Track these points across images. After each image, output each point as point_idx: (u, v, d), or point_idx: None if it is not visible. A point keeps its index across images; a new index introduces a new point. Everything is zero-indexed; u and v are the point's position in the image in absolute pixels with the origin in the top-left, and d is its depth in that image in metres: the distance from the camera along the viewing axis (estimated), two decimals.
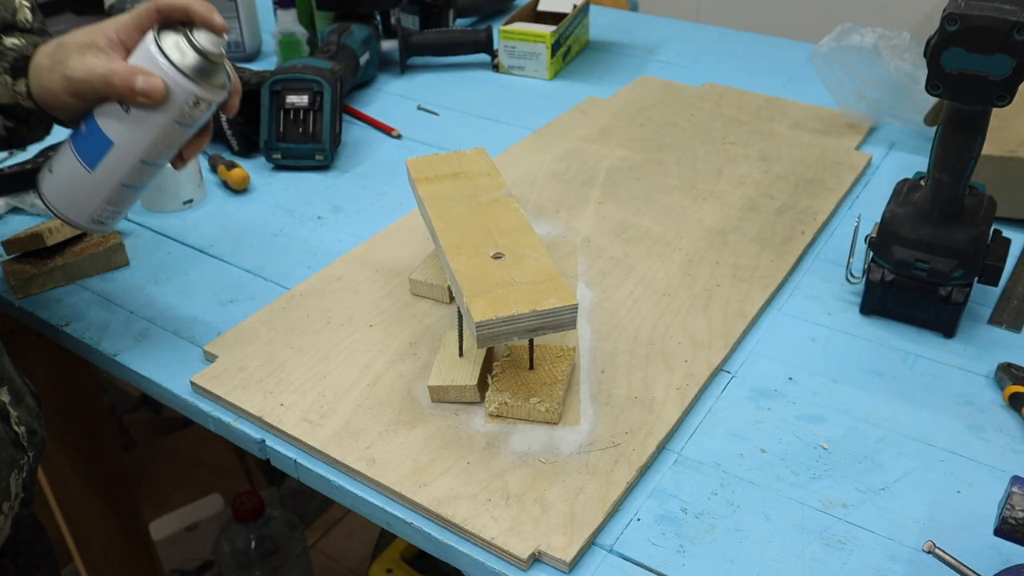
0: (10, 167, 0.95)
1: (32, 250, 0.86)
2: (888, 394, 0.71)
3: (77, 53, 0.64)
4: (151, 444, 1.78)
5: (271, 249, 0.91)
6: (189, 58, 0.64)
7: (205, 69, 0.65)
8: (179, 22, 0.65)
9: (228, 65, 0.68)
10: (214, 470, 1.72)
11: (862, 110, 1.10)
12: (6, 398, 0.68)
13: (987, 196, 0.79)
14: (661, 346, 0.74)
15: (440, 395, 0.69)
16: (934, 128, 0.75)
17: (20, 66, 0.67)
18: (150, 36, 0.64)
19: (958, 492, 0.62)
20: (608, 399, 0.69)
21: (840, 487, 0.63)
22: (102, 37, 0.65)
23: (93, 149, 0.66)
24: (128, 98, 0.64)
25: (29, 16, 0.73)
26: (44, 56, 0.66)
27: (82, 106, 0.66)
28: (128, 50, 0.65)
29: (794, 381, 0.72)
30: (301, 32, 1.31)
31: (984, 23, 0.65)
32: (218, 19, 0.64)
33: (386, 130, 1.15)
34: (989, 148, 0.84)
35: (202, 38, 0.64)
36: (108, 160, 0.66)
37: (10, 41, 0.69)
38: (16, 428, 0.68)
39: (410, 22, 1.42)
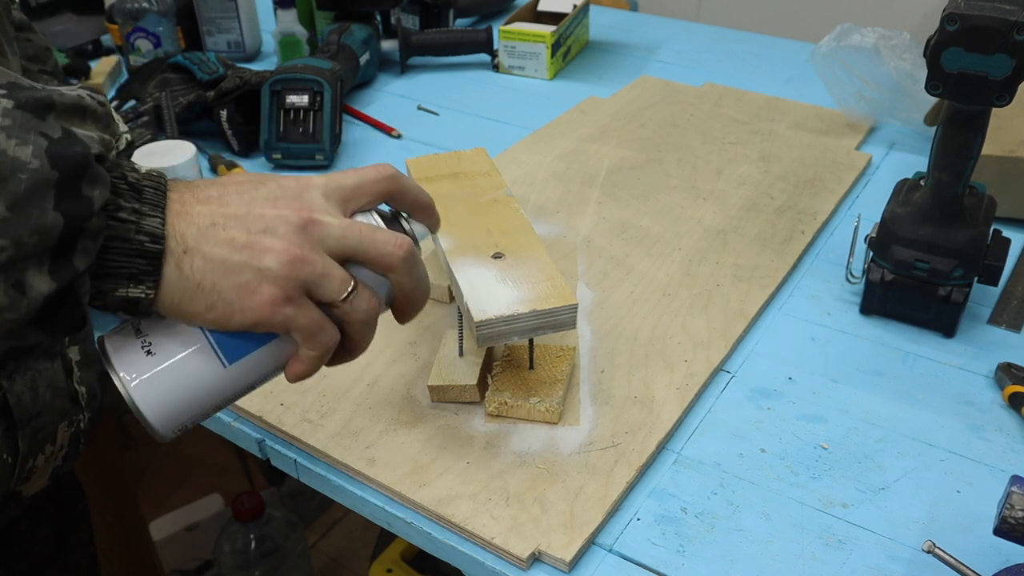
0: None
1: None
2: (888, 394, 0.71)
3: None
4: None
5: None
6: None
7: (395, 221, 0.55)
8: (394, 207, 0.55)
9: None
10: (214, 470, 1.71)
11: (862, 110, 1.10)
12: (76, 357, 0.68)
13: (987, 196, 0.79)
14: (661, 346, 0.74)
15: (440, 395, 0.69)
16: (934, 128, 0.75)
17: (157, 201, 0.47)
18: (375, 217, 0.52)
19: (958, 492, 0.62)
20: (608, 399, 0.69)
21: (840, 487, 0.63)
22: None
23: (242, 340, 0.49)
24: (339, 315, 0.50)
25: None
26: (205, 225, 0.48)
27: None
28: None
29: (794, 381, 0.72)
30: (301, 32, 1.31)
31: (984, 23, 0.65)
32: (437, 216, 0.57)
33: (386, 130, 1.15)
34: (989, 148, 0.84)
35: (418, 230, 0.55)
36: (258, 356, 0.50)
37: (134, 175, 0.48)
38: (77, 386, 0.68)
39: (410, 22, 1.42)
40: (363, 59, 1.23)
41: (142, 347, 0.48)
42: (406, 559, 1.39)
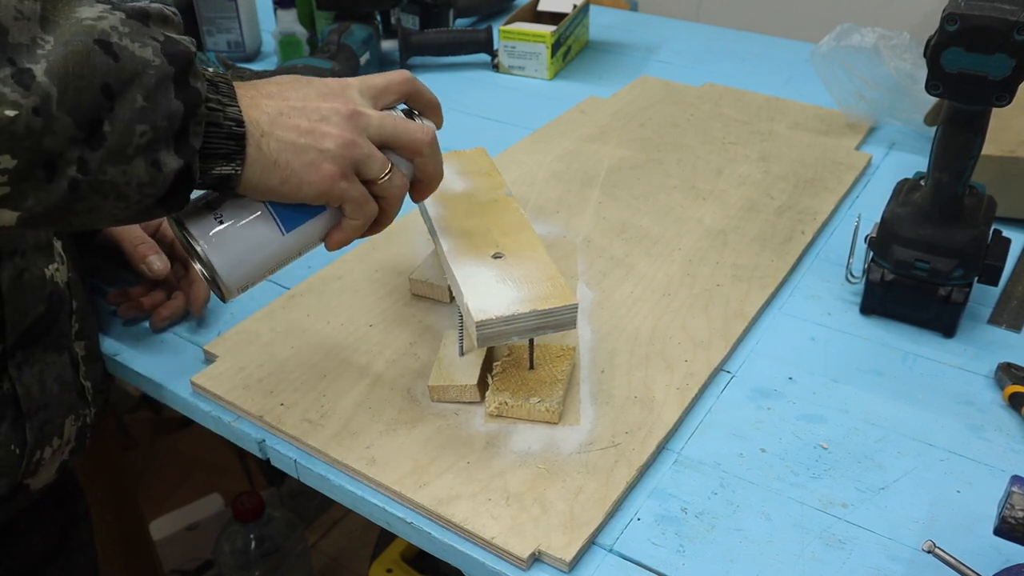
0: None
1: None
2: (888, 394, 0.71)
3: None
4: (151, 444, 1.78)
5: None
6: None
7: None
8: (409, 106, 0.65)
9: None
10: (214, 470, 1.71)
11: (862, 110, 1.10)
12: (82, 352, 0.71)
13: (987, 196, 0.79)
14: (661, 346, 0.74)
15: (440, 395, 0.69)
16: (934, 128, 0.75)
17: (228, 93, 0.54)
18: (398, 113, 0.63)
19: (958, 492, 0.62)
20: (608, 399, 0.69)
21: (840, 487, 0.63)
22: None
23: (298, 210, 0.58)
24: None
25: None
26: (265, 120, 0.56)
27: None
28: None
29: (794, 381, 0.72)
30: (301, 32, 1.31)
31: (984, 23, 0.65)
32: (442, 115, 0.66)
33: None
34: (989, 148, 0.84)
35: (428, 126, 0.64)
36: (308, 227, 0.59)
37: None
38: (83, 381, 0.71)
39: (410, 22, 1.42)
40: (363, 59, 1.23)
41: (214, 217, 0.57)
42: (406, 559, 1.39)
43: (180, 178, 0.50)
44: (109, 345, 0.78)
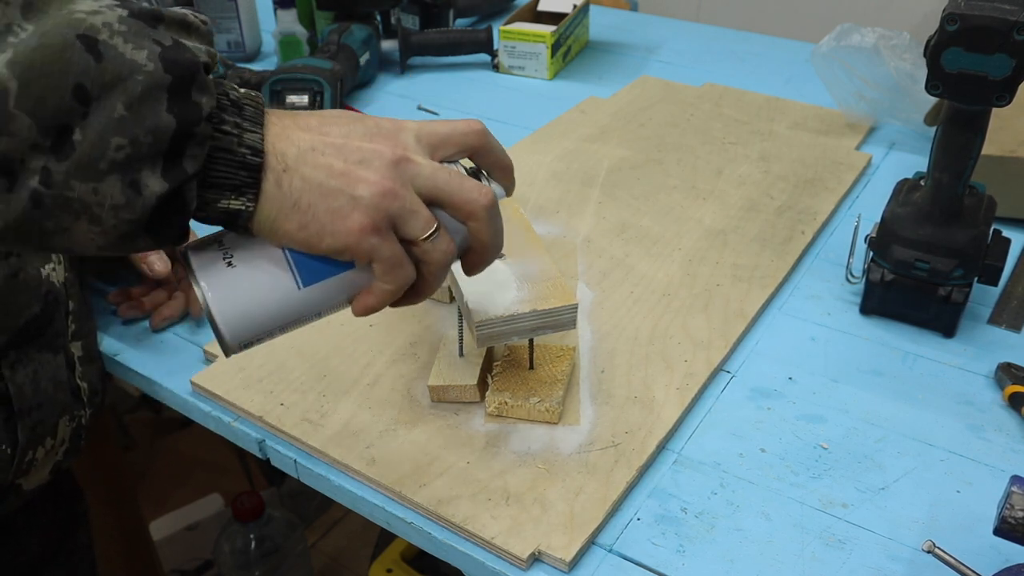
0: None
1: None
2: (888, 394, 0.71)
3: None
4: (151, 444, 1.78)
5: None
6: None
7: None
8: (476, 163, 0.56)
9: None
10: (214, 470, 1.71)
11: (862, 110, 1.10)
12: (78, 353, 0.70)
13: (987, 196, 0.79)
14: (661, 346, 0.74)
15: (440, 395, 0.69)
16: (934, 128, 0.75)
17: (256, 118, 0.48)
18: (460, 168, 0.54)
19: (958, 492, 0.62)
20: (608, 399, 0.69)
21: (840, 487, 0.63)
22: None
23: (319, 264, 0.50)
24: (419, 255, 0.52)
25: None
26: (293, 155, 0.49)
27: None
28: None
29: (794, 381, 0.72)
30: (301, 32, 1.31)
31: (984, 23, 0.65)
32: (514, 179, 0.58)
33: None
34: (989, 148, 0.84)
35: (496, 190, 0.56)
36: (331, 284, 0.51)
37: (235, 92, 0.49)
38: (79, 381, 0.70)
39: (410, 22, 1.42)
40: (363, 59, 1.23)
41: (223, 258, 0.49)
42: (406, 559, 1.39)
43: (167, 205, 0.44)
44: (109, 345, 0.78)
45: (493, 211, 0.52)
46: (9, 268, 0.63)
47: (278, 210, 0.47)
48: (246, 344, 0.51)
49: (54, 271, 0.68)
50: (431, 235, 0.50)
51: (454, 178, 0.51)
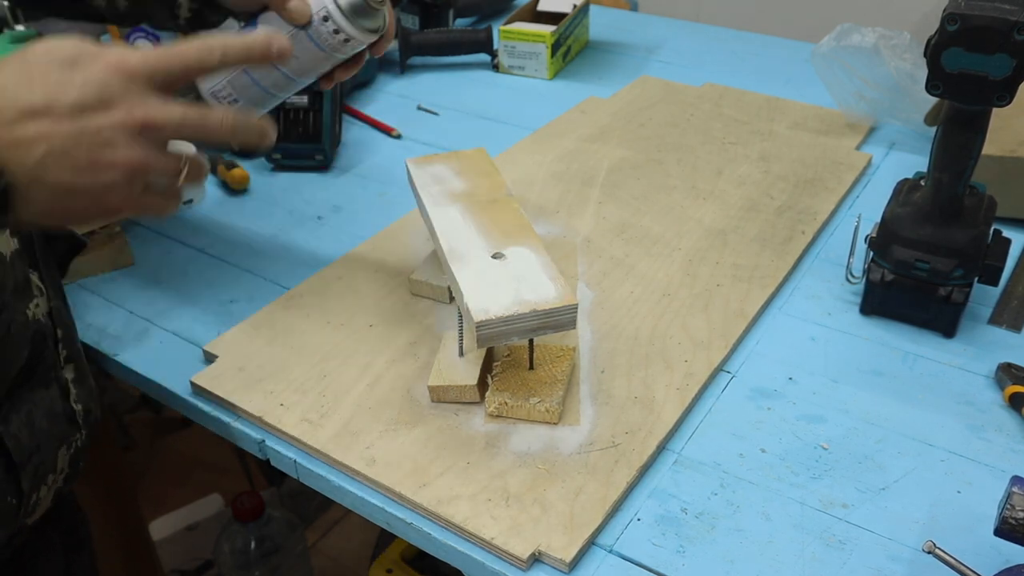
0: None
1: None
2: (888, 394, 0.71)
3: None
4: (151, 444, 1.78)
5: (271, 249, 0.91)
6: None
7: (362, 10, 0.66)
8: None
9: (387, 10, 0.69)
10: (214, 470, 1.72)
11: (862, 110, 1.10)
12: (71, 375, 0.69)
13: (987, 196, 0.79)
14: (661, 346, 0.74)
15: (440, 395, 0.68)
16: (934, 128, 0.75)
17: None
18: None
19: (958, 492, 0.62)
20: (608, 399, 0.69)
21: (840, 487, 0.63)
22: None
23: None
24: (277, 8, 0.65)
25: None
26: None
27: (254, 6, 0.69)
28: None
29: (794, 381, 0.72)
30: None
31: (984, 23, 0.65)
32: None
33: (386, 130, 1.15)
34: (989, 148, 0.84)
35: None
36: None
37: None
38: (74, 405, 0.69)
39: (410, 22, 1.42)
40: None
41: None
42: (406, 559, 1.39)
43: None
44: (109, 345, 0.78)
45: (235, 130, 0.55)
46: (3, 325, 0.60)
47: (33, 215, 0.49)
48: (214, 93, 0.66)
49: (37, 307, 0.65)
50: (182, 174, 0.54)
51: (191, 118, 0.52)
